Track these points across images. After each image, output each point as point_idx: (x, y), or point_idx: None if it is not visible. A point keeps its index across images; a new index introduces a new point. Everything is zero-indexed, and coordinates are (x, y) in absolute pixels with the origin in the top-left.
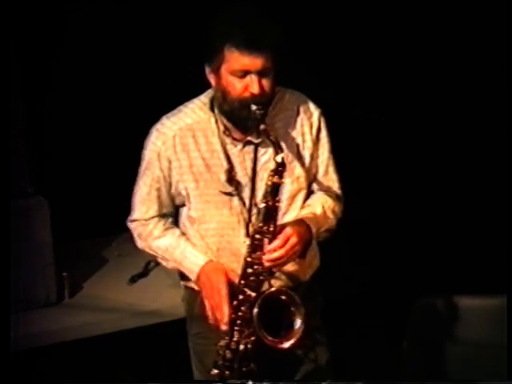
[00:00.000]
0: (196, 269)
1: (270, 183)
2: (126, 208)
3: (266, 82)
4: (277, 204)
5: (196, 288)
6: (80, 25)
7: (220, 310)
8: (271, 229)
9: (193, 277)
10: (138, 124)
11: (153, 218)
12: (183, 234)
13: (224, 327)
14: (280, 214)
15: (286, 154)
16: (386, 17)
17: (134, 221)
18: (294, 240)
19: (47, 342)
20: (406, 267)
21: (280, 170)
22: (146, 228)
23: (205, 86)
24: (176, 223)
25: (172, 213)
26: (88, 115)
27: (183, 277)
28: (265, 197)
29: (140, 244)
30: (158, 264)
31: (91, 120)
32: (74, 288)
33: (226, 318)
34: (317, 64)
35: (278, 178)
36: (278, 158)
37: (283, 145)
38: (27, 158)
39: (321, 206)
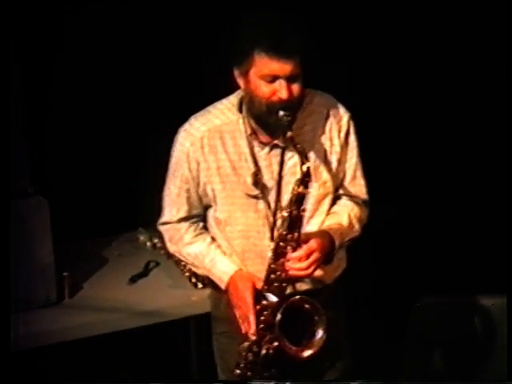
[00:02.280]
0: (225, 277)
1: (295, 193)
2: (126, 208)
3: (294, 88)
4: (301, 213)
5: (220, 293)
6: (80, 24)
7: (247, 321)
8: (295, 237)
9: (222, 285)
10: (138, 124)
11: (183, 219)
12: (213, 239)
13: (253, 337)
14: (306, 217)
15: (313, 159)
16: (386, 17)
17: (164, 223)
18: (316, 255)
19: (47, 342)
20: (406, 267)
21: (306, 180)
22: (177, 233)
23: (204, 86)
24: (206, 228)
25: (201, 214)
26: (88, 115)
27: (212, 286)
28: (289, 206)
29: (171, 248)
30: (158, 264)
31: (91, 120)
32: (74, 288)
33: (252, 329)
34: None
35: (304, 187)
36: (304, 168)
37: (311, 149)
38: (27, 158)
39: (347, 215)
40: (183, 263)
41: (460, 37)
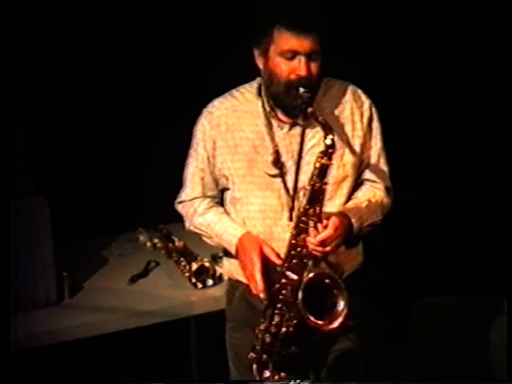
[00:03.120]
0: (234, 240)
1: (318, 165)
2: (126, 208)
3: (313, 66)
4: (324, 186)
5: (236, 279)
6: (80, 25)
7: (253, 279)
8: (317, 211)
9: (232, 250)
10: (138, 124)
11: (197, 198)
12: (228, 214)
13: (262, 295)
14: (325, 199)
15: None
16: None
17: (180, 202)
18: (339, 231)
19: (47, 341)
20: (406, 267)
21: (330, 151)
22: (191, 207)
23: (204, 86)
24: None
25: (217, 196)
26: (88, 115)
27: (225, 269)
28: (312, 178)
29: (187, 225)
30: (158, 264)
31: (91, 120)
32: (74, 288)
33: (260, 286)
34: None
35: (327, 159)
36: (328, 140)
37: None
38: (27, 158)
39: (367, 200)
40: (183, 263)
41: (461, 39)
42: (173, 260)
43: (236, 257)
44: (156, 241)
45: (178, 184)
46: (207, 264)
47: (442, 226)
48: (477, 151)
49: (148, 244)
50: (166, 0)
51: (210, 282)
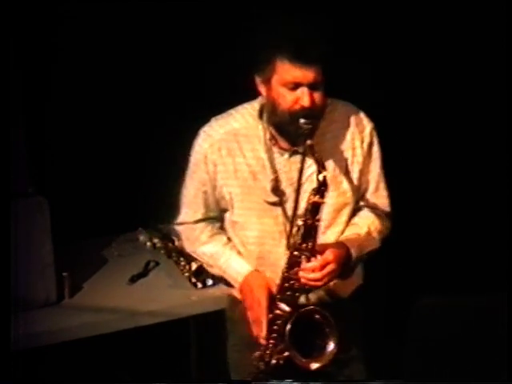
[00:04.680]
0: (239, 278)
1: (310, 202)
2: (126, 208)
3: (317, 96)
4: (316, 223)
5: (237, 296)
6: (80, 27)
7: (259, 324)
8: (309, 247)
9: (236, 285)
10: (138, 124)
11: (200, 221)
12: (229, 239)
13: (262, 341)
14: (323, 226)
15: (332, 168)
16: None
17: (181, 224)
18: (331, 267)
19: (47, 342)
20: (406, 267)
21: (322, 189)
22: (193, 233)
23: (204, 87)
24: (223, 228)
25: (218, 217)
26: (88, 116)
27: (226, 284)
28: (305, 215)
29: (187, 247)
30: (157, 264)
31: (91, 120)
32: (74, 288)
33: (263, 333)
34: None
35: (319, 197)
36: (320, 177)
37: (331, 158)
38: (27, 158)
39: (367, 227)
40: (183, 263)
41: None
42: (172, 260)
43: (239, 293)
44: (156, 241)
45: (177, 184)
46: None
47: (442, 225)
48: (477, 151)
49: (148, 244)
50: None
51: (209, 281)
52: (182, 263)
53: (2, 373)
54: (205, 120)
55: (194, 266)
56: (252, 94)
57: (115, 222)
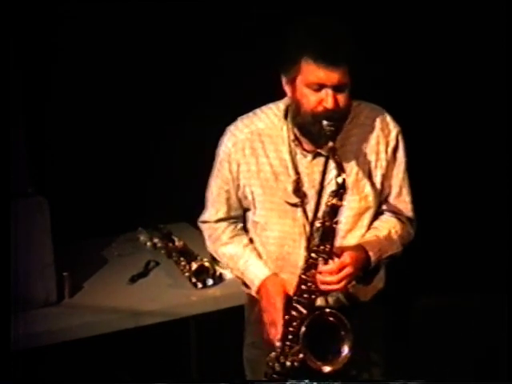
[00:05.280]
0: (257, 281)
1: (329, 204)
2: (126, 208)
3: (341, 98)
4: (334, 225)
5: (255, 296)
6: (80, 27)
7: (274, 327)
8: (327, 249)
9: (253, 288)
10: (138, 124)
11: (222, 220)
12: (251, 241)
13: (277, 343)
14: (344, 230)
15: (355, 172)
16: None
17: (204, 222)
18: (348, 270)
19: (47, 342)
20: (406, 267)
21: (341, 191)
22: (215, 232)
23: (205, 88)
24: (245, 228)
25: (241, 216)
26: (88, 115)
27: (244, 285)
28: (323, 217)
29: (209, 246)
30: (158, 264)
31: (91, 120)
32: (74, 288)
33: (279, 335)
34: None
35: (338, 199)
36: (339, 180)
37: (355, 161)
38: (27, 158)
39: (387, 230)
40: (183, 263)
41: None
42: (173, 260)
43: (256, 295)
44: (156, 241)
45: (178, 184)
46: (207, 264)
47: (442, 225)
48: (477, 151)
49: (148, 244)
50: (167, 0)
51: (210, 281)
52: (183, 263)
53: (2, 373)
54: (205, 120)
55: (194, 265)
56: (258, 97)
57: (115, 222)
